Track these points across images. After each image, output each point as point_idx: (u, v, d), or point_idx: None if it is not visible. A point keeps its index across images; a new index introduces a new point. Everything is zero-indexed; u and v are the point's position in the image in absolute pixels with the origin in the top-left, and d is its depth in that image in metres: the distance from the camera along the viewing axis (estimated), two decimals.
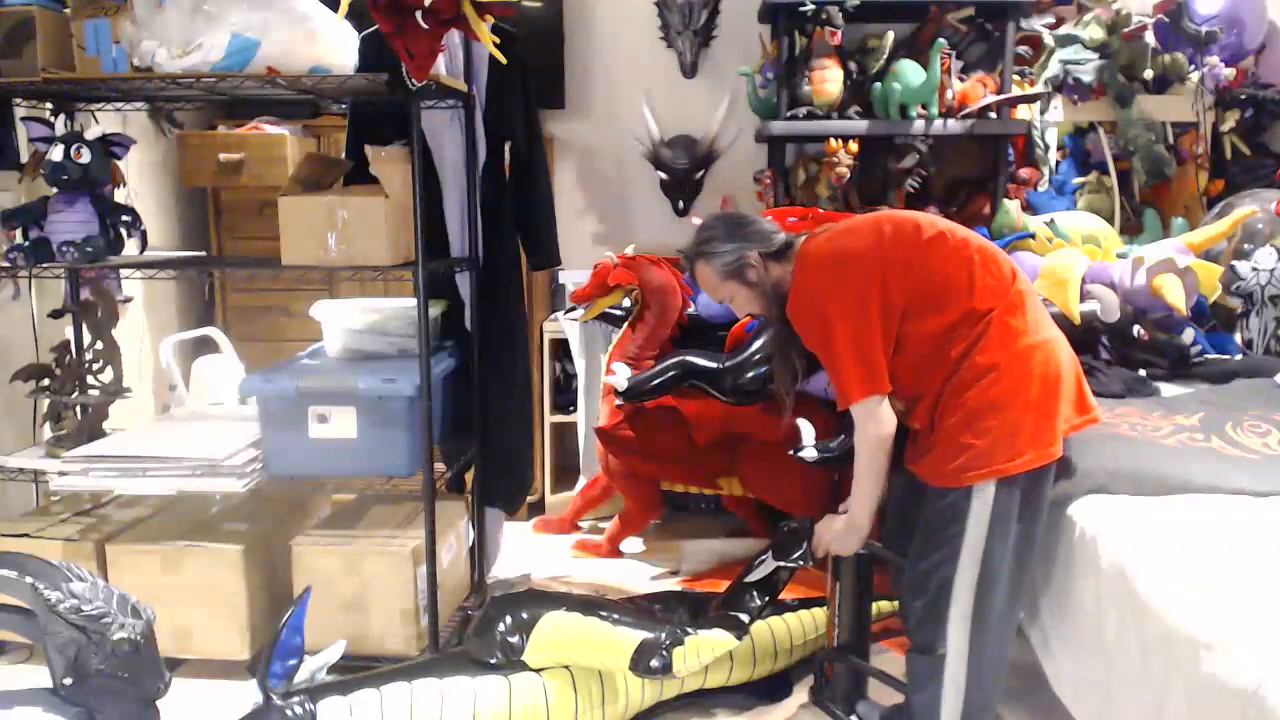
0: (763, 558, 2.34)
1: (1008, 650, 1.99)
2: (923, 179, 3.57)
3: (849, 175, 3.40)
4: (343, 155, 2.99)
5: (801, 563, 2.26)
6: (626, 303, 3.24)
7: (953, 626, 1.92)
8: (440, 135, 2.81)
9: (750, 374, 2.82)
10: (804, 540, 2.23)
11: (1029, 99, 3.45)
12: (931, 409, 1.95)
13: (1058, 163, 3.69)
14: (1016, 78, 3.48)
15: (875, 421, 1.94)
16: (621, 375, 2.89)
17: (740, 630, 2.23)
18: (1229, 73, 3.49)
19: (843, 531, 2.11)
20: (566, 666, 2.17)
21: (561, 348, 3.71)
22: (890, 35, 3.39)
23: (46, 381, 2.77)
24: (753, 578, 2.35)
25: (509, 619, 2.17)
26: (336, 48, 2.40)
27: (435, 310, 2.80)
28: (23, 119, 2.71)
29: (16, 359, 2.82)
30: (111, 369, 2.77)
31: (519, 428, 3.01)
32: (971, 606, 1.90)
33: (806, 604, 2.57)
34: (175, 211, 3.74)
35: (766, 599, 2.33)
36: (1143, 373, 2.68)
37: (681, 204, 3.84)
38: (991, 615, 1.91)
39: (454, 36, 2.63)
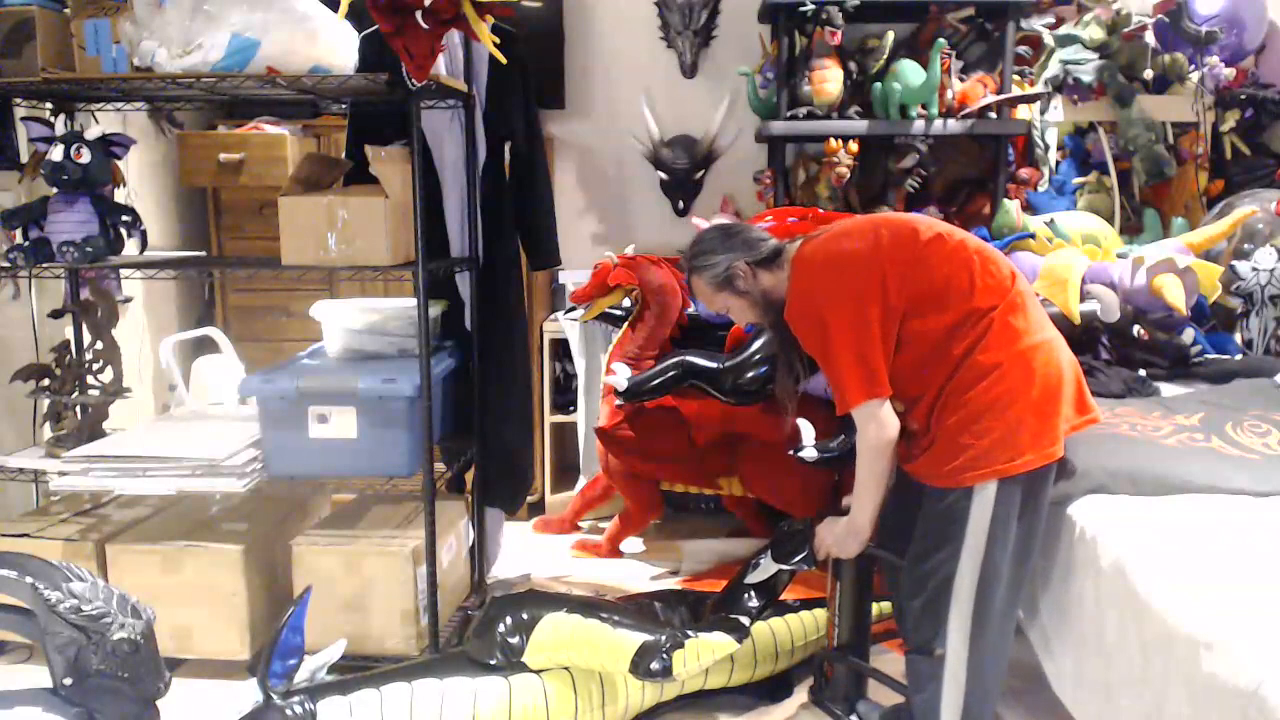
0: (760, 559, 2.34)
1: (1007, 649, 1.98)
2: (923, 179, 3.57)
3: (849, 175, 3.40)
4: (343, 155, 2.99)
5: (803, 566, 2.25)
6: (626, 303, 3.24)
7: (952, 627, 1.91)
8: (440, 135, 2.81)
9: (750, 374, 2.82)
10: (805, 543, 2.23)
11: (1029, 99, 3.45)
12: (930, 408, 1.94)
13: (1058, 163, 3.69)
14: (1016, 78, 3.48)
15: (877, 425, 1.93)
16: (621, 375, 2.89)
17: (741, 633, 2.23)
18: (1229, 73, 3.49)
19: (844, 534, 2.11)
20: (566, 668, 2.17)
21: (561, 348, 3.71)
22: (890, 35, 3.39)
23: (46, 381, 2.77)
24: (751, 579, 2.34)
25: (509, 619, 2.17)
26: (336, 48, 2.40)
27: (435, 310, 2.80)
28: (23, 119, 2.71)
29: (16, 359, 2.82)
30: (111, 369, 2.77)
31: (519, 428, 3.01)
32: (972, 607, 1.90)
33: (807, 605, 2.57)
34: (175, 211, 3.74)
35: (766, 601, 2.33)
36: (1143, 373, 2.68)
37: (681, 204, 3.84)
38: (991, 615, 1.91)
39: (454, 36, 2.63)
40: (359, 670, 2.15)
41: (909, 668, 2.03)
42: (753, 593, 2.34)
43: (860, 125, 3.37)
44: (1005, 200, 3.35)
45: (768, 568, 2.32)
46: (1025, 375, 1.87)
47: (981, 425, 1.86)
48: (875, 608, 2.37)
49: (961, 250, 1.94)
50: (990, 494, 1.86)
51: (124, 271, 2.84)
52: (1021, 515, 1.89)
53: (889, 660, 2.44)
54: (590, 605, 2.27)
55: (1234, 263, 3.00)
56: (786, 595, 2.55)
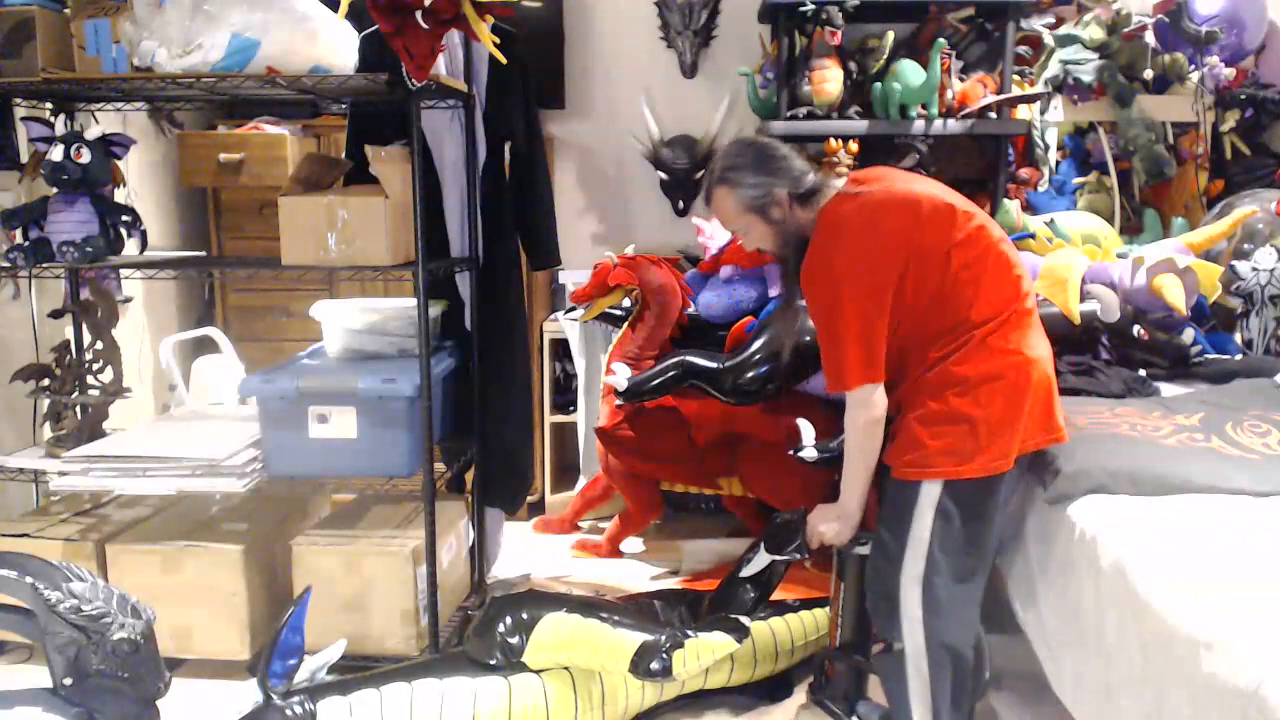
0: (753, 552, 2.34)
1: (969, 639, 1.98)
2: None
3: None
4: (343, 155, 2.99)
5: (797, 555, 2.25)
6: (626, 303, 3.24)
7: (905, 620, 1.94)
8: (440, 135, 2.81)
9: (750, 374, 2.82)
10: (797, 533, 2.23)
11: (1029, 99, 3.45)
12: (900, 401, 1.98)
13: (1058, 163, 3.69)
14: (1016, 78, 3.48)
15: (867, 407, 1.95)
16: (621, 375, 2.89)
17: (741, 632, 2.23)
18: (1229, 73, 3.49)
19: (835, 520, 2.12)
20: (566, 668, 2.17)
21: (561, 348, 3.71)
22: (890, 35, 3.39)
23: (46, 381, 2.77)
24: (746, 573, 2.35)
25: (509, 619, 2.17)
26: (336, 48, 2.40)
27: (435, 310, 2.80)
28: (23, 119, 2.71)
29: (16, 359, 2.82)
30: (111, 369, 2.77)
31: (519, 428, 3.01)
32: (920, 599, 1.92)
33: (807, 604, 2.57)
34: (175, 211, 3.74)
35: (761, 594, 2.33)
36: (1143, 373, 2.67)
37: (681, 204, 3.83)
38: (942, 610, 1.92)
39: (454, 36, 2.63)
40: (359, 670, 2.16)
41: (877, 664, 2.05)
42: (748, 586, 2.34)
43: (860, 125, 3.37)
44: (1005, 200, 3.35)
45: (761, 560, 2.33)
46: (990, 393, 1.89)
47: (938, 428, 1.90)
48: None
49: (981, 260, 1.93)
50: (935, 494, 1.90)
51: (124, 271, 2.84)
52: (968, 520, 1.91)
53: None
54: (590, 605, 2.27)
55: (1234, 263, 3.00)
56: (788, 595, 2.55)
